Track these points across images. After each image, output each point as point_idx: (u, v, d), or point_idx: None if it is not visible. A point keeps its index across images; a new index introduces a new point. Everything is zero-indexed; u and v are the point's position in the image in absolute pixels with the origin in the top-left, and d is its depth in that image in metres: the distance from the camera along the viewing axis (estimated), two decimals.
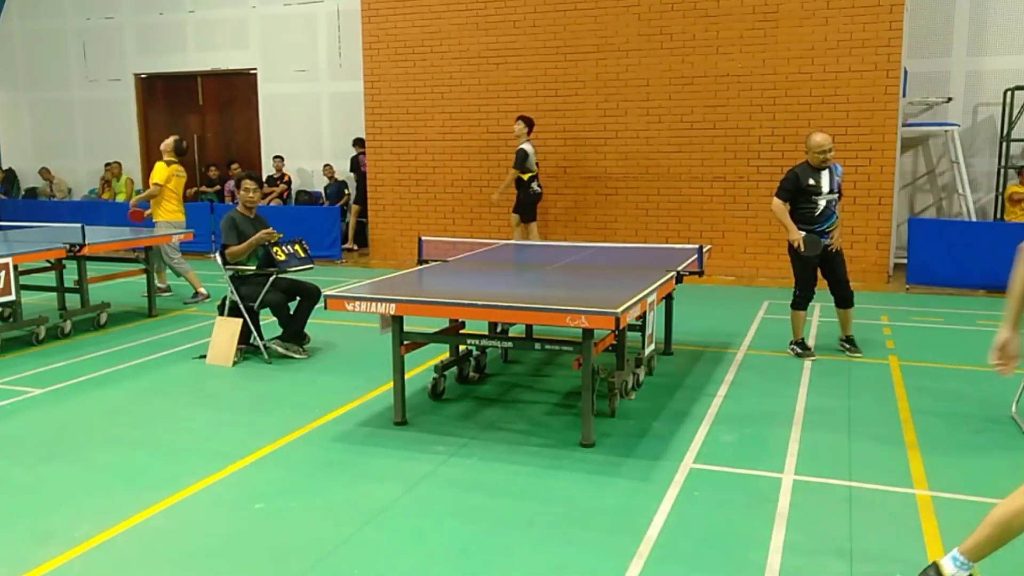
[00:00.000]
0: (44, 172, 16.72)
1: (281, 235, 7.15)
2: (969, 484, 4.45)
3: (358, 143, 13.88)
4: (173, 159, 9.70)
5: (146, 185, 16.55)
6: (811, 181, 6.92)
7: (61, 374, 6.75)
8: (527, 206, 11.19)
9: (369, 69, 12.90)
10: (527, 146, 11.07)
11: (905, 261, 11.19)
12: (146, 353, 7.41)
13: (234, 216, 7.21)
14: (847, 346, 7.18)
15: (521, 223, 11.28)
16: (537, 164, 11.25)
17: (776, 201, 7.01)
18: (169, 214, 9.64)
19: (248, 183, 7.31)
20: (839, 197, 7.08)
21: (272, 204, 14.30)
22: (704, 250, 6.87)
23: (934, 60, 11.80)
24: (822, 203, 6.93)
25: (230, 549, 3.84)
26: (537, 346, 5.51)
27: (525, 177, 11.09)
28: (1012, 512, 3.15)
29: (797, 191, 6.93)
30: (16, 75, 17.17)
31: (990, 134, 11.81)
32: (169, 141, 9.75)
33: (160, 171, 9.58)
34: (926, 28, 11.71)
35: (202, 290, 9.74)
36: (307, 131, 15.09)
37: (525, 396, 6.11)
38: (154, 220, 9.70)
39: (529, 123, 11.16)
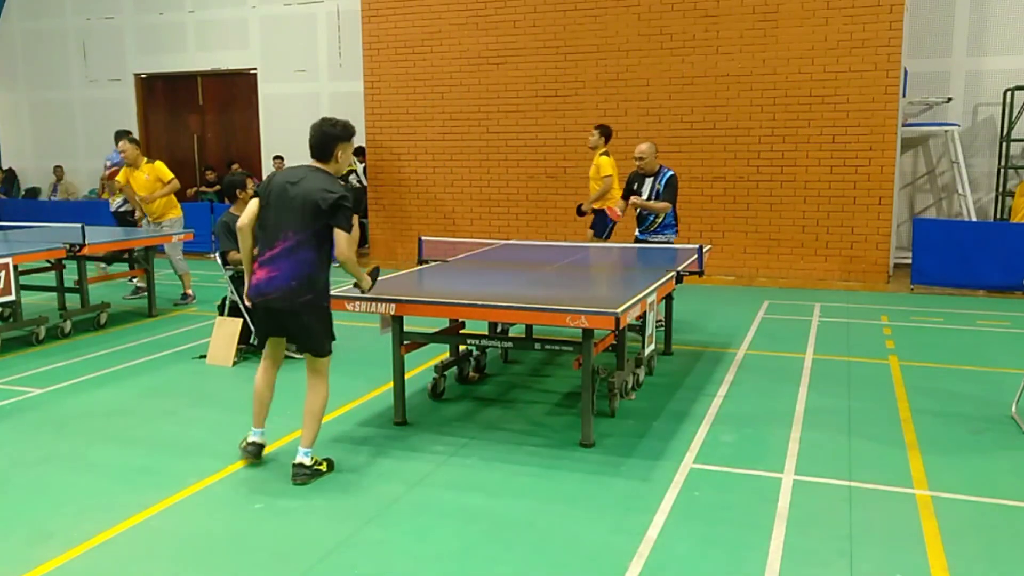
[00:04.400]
0: (57, 170, 16.62)
1: None
2: (969, 484, 4.45)
3: (358, 152, 13.90)
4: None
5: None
6: (635, 186, 7.89)
7: (61, 374, 6.75)
8: None
9: (369, 69, 12.90)
10: None
11: (905, 261, 11.22)
12: (146, 353, 7.41)
13: (227, 220, 7.18)
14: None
15: None
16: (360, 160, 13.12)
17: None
18: (175, 211, 9.78)
19: (252, 182, 7.36)
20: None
21: None
22: (704, 250, 6.88)
23: (934, 60, 11.80)
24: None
25: (230, 549, 3.84)
26: (537, 346, 5.51)
27: None
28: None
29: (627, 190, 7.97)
30: (16, 75, 17.16)
31: (990, 134, 11.81)
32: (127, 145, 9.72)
33: (164, 168, 9.68)
34: (926, 28, 11.71)
35: (190, 291, 9.75)
36: (307, 131, 15.04)
37: (525, 396, 6.11)
38: (161, 221, 9.70)
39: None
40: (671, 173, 7.80)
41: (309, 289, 4.43)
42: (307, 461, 4.55)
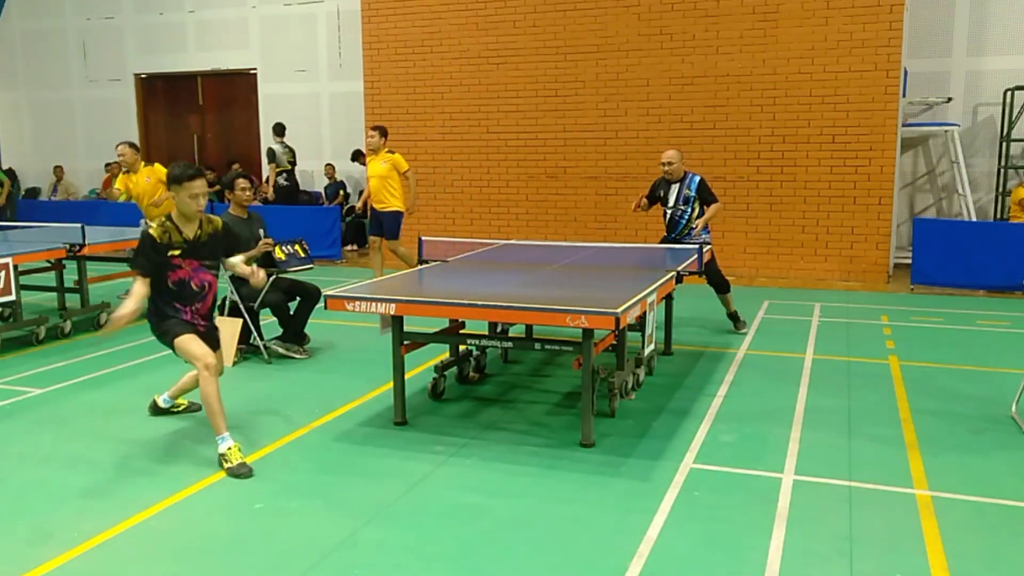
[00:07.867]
0: (57, 170, 16.61)
1: (274, 244, 7.17)
2: (969, 484, 4.45)
3: (356, 155, 13.94)
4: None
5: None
6: (661, 192, 7.89)
7: (61, 374, 6.75)
8: (277, 196, 13.76)
9: (369, 69, 12.90)
10: (275, 146, 13.68)
11: (905, 261, 11.22)
12: (146, 353, 7.40)
13: (225, 220, 7.17)
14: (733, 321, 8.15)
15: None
16: (293, 162, 13.95)
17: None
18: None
19: (243, 182, 7.27)
20: (692, 209, 7.78)
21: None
22: (704, 250, 6.88)
23: (934, 60, 11.80)
24: (668, 212, 7.84)
25: (230, 549, 3.84)
26: (537, 346, 5.51)
27: (276, 171, 13.68)
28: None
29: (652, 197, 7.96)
30: (16, 75, 17.17)
31: (990, 134, 11.81)
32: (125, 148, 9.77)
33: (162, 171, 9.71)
34: (926, 28, 11.72)
35: None
36: (307, 131, 15.08)
37: (525, 396, 6.11)
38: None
39: (276, 129, 13.84)
40: (699, 178, 7.82)
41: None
42: (221, 448, 4.76)
